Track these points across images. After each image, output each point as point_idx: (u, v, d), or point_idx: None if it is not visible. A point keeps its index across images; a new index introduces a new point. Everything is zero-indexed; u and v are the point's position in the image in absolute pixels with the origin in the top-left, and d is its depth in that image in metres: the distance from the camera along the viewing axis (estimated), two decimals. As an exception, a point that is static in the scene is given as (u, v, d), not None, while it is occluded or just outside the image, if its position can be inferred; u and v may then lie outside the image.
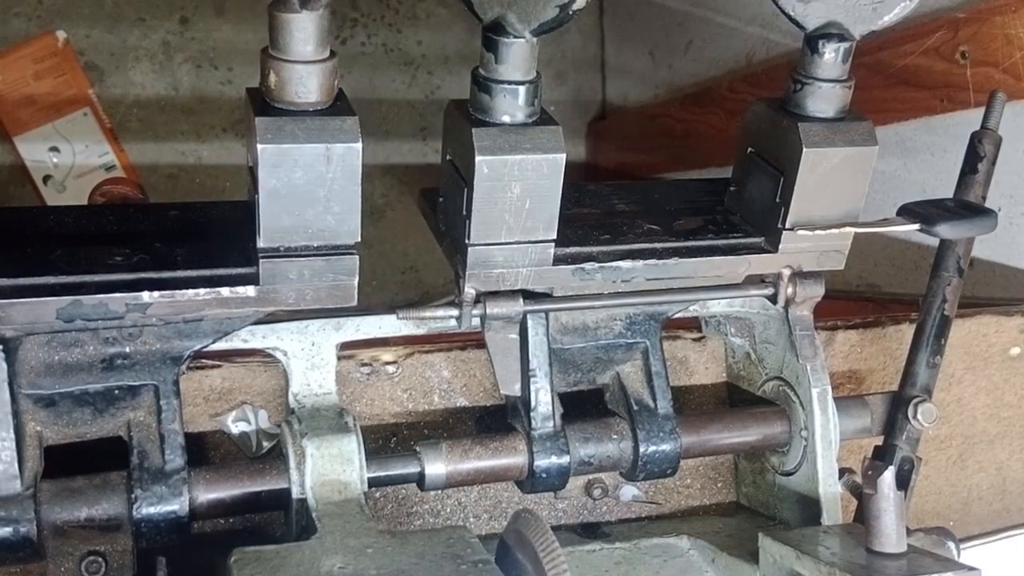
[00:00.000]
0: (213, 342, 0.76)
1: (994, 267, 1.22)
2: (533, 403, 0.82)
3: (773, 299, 0.86)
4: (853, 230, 0.82)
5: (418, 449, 0.80)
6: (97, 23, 1.85)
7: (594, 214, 0.85)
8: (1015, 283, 1.21)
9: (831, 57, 0.76)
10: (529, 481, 0.83)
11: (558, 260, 0.78)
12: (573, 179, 0.75)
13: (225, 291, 0.71)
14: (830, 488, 0.87)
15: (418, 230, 0.86)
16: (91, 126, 1.85)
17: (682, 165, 1.95)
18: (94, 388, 0.74)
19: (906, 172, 1.34)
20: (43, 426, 0.73)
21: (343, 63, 0.69)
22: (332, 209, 0.69)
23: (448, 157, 0.77)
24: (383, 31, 1.97)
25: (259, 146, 0.65)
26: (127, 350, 0.74)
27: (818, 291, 0.85)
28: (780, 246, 0.82)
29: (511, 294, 0.79)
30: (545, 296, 0.81)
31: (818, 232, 0.81)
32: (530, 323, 0.81)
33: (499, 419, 0.87)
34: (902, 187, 1.34)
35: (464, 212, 0.73)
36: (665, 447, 0.84)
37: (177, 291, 0.70)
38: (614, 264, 0.80)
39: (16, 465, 0.70)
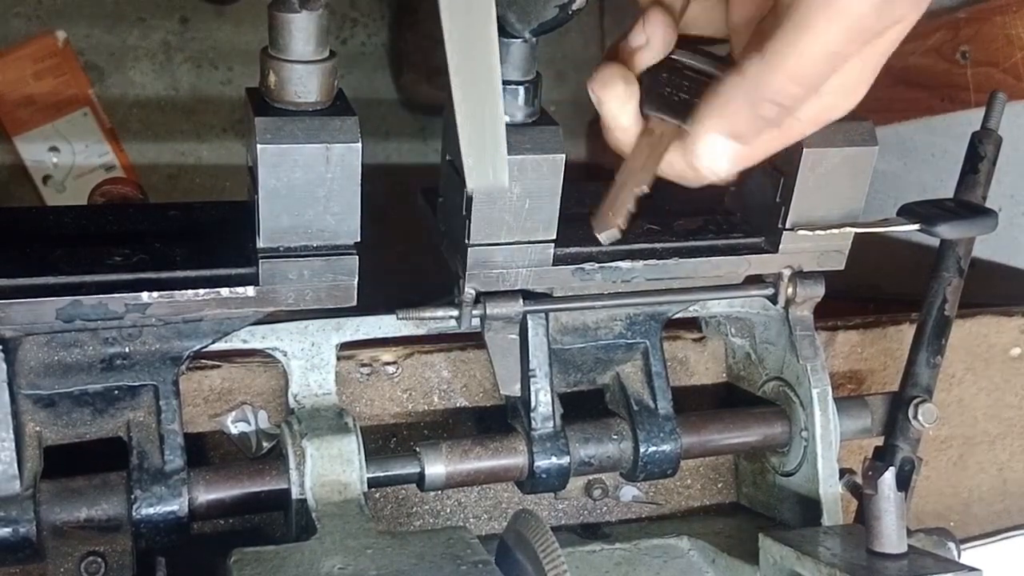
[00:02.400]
0: (213, 342, 0.76)
1: (995, 267, 1.22)
2: (533, 403, 0.81)
3: (773, 299, 0.86)
4: (853, 230, 0.82)
5: (418, 449, 0.80)
6: (97, 23, 1.85)
7: (594, 214, 0.85)
8: (1016, 283, 1.21)
9: (831, 57, 0.76)
10: (529, 481, 0.82)
11: (558, 260, 0.78)
12: (573, 179, 0.75)
13: (224, 291, 0.71)
14: (830, 489, 0.87)
15: (418, 230, 0.85)
16: (91, 126, 1.85)
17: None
18: (93, 388, 0.74)
19: (906, 172, 1.34)
20: (42, 426, 0.73)
21: (343, 63, 0.69)
22: (332, 209, 0.69)
23: (448, 157, 0.77)
24: (383, 31, 1.97)
25: (259, 146, 0.65)
26: (126, 350, 0.74)
27: (818, 291, 0.85)
28: (780, 246, 0.82)
29: (511, 294, 0.79)
30: (545, 296, 0.81)
31: (818, 232, 0.81)
32: (530, 323, 0.81)
33: (499, 419, 0.87)
34: (902, 187, 1.34)
35: (464, 212, 0.73)
36: (665, 447, 0.84)
37: (176, 291, 0.70)
38: (614, 264, 0.80)
39: (15, 465, 0.70)
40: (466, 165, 0.59)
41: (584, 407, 0.87)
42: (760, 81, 0.57)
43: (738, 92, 0.59)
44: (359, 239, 0.71)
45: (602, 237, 0.68)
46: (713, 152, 0.62)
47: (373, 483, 0.78)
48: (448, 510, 0.91)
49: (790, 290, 0.85)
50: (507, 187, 0.61)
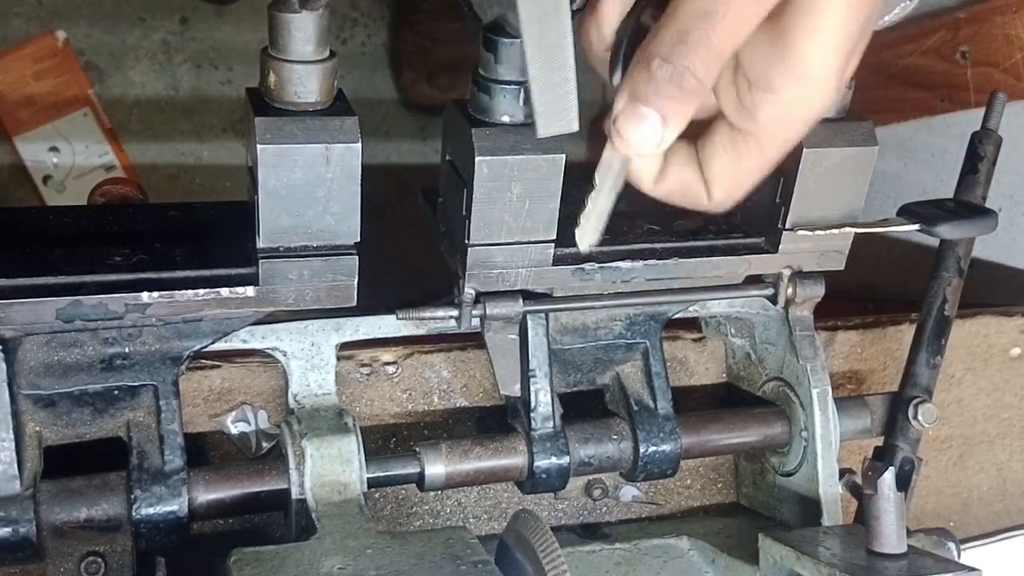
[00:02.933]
0: (212, 342, 0.76)
1: (994, 268, 1.22)
2: (533, 403, 0.81)
3: (773, 299, 0.86)
4: (853, 230, 0.82)
5: (418, 449, 0.80)
6: (97, 23, 1.85)
7: (594, 214, 0.84)
8: (1015, 284, 1.21)
9: (831, 57, 0.76)
10: (529, 482, 0.82)
11: (558, 260, 0.78)
12: (573, 179, 0.75)
13: (224, 291, 0.71)
14: (830, 489, 0.87)
15: (418, 230, 0.85)
16: (91, 126, 1.85)
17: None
18: (93, 388, 0.74)
19: (906, 172, 1.34)
20: (42, 426, 0.73)
21: (343, 63, 0.69)
22: (332, 209, 0.69)
23: (448, 157, 0.77)
24: (383, 31, 1.97)
25: (259, 146, 0.65)
26: (126, 350, 0.74)
27: (818, 291, 0.85)
28: (780, 246, 0.82)
29: (511, 294, 0.79)
30: (545, 296, 0.81)
31: (818, 232, 0.81)
32: (530, 323, 0.81)
33: (499, 420, 0.87)
34: (902, 187, 1.34)
35: (464, 212, 0.73)
36: (665, 447, 0.84)
37: (176, 291, 0.70)
38: (614, 264, 0.80)
39: (15, 466, 0.70)
40: (537, 110, 0.59)
41: (584, 407, 0.87)
42: (652, 40, 0.59)
43: (641, 55, 0.60)
44: (359, 239, 0.71)
45: (584, 247, 0.67)
46: (627, 120, 0.61)
47: (373, 483, 0.78)
48: (448, 510, 0.91)
49: (790, 290, 0.85)
50: (577, 130, 0.62)
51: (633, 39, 0.63)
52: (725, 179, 0.63)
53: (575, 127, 0.61)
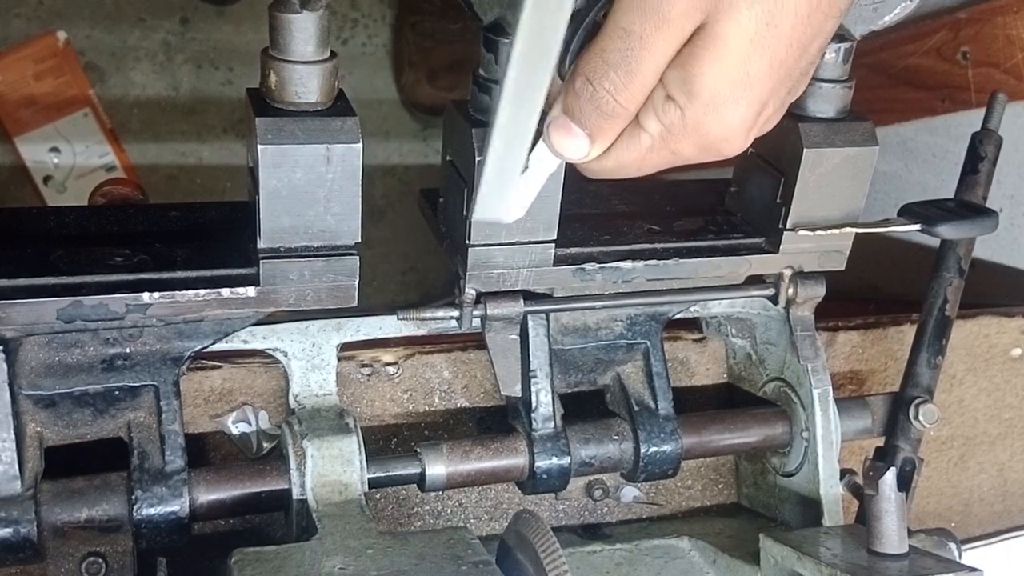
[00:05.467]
0: (213, 343, 0.76)
1: (995, 268, 1.22)
2: (534, 404, 0.81)
3: (774, 300, 0.86)
4: (854, 230, 0.82)
5: (419, 450, 0.80)
6: (97, 23, 1.85)
7: (594, 214, 0.85)
8: (1016, 284, 1.21)
9: (832, 57, 0.76)
10: (530, 482, 0.82)
11: (558, 261, 0.78)
12: (573, 179, 0.75)
13: (225, 292, 0.71)
14: (831, 489, 0.87)
15: (419, 231, 0.85)
16: (92, 127, 1.85)
17: (682, 165, 1.94)
18: (94, 389, 0.74)
19: (907, 173, 1.34)
20: (43, 427, 0.73)
21: (344, 63, 0.69)
22: (332, 209, 0.69)
23: (448, 157, 0.77)
24: (384, 31, 1.97)
25: (259, 147, 0.65)
26: (127, 351, 0.74)
27: (819, 292, 0.85)
28: (781, 247, 0.82)
29: (511, 295, 0.79)
30: (545, 297, 0.81)
31: (819, 232, 0.81)
32: (531, 324, 0.81)
33: (500, 420, 0.87)
34: (903, 187, 1.34)
35: (464, 212, 0.73)
36: (666, 448, 0.84)
37: (177, 292, 0.70)
38: (614, 264, 0.80)
39: (16, 466, 0.70)
40: (481, 192, 0.59)
41: (584, 407, 0.87)
42: (581, 57, 0.61)
43: (573, 69, 0.62)
44: (360, 239, 0.71)
45: (508, 219, 0.66)
46: (557, 132, 0.63)
47: (374, 483, 0.78)
48: (449, 511, 0.91)
49: (791, 290, 0.85)
50: (509, 223, 0.62)
51: (586, 34, 0.64)
52: (607, 158, 0.65)
53: (509, 219, 0.61)
